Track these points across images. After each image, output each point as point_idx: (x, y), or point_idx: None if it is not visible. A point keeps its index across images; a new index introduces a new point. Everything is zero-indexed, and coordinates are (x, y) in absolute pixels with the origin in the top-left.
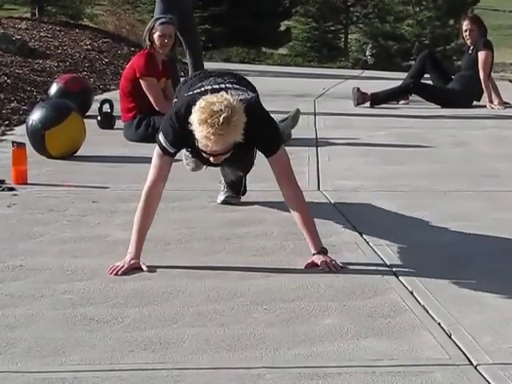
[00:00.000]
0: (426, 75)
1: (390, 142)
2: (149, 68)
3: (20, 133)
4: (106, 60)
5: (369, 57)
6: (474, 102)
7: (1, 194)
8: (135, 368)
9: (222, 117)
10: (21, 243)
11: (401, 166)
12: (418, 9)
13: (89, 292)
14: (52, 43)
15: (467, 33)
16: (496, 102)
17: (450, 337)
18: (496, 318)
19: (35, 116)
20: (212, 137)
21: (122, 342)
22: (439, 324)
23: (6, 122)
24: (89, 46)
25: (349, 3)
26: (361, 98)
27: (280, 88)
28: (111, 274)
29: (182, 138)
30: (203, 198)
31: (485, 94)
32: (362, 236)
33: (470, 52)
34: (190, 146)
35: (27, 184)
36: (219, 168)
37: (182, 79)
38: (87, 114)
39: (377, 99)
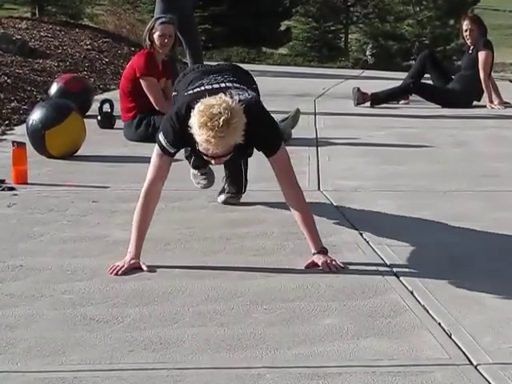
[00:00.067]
0: (426, 75)
1: (390, 142)
2: (149, 68)
3: (20, 132)
4: (106, 60)
5: (369, 57)
6: (474, 102)
7: (1, 193)
8: (135, 368)
9: (221, 119)
10: (21, 243)
11: (401, 165)
12: (418, 9)
13: (89, 292)
14: (52, 43)
15: (467, 33)
16: (496, 101)
17: (450, 337)
18: (496, 318)
19: (35, 116)
20: (212, 140)
21: (122, 341)
22: (439, 324)
23: (6, 122)
24: (89, 46)
25: (349, 3)
26: (361, 97)
27: (280, 88)
28: (111, 273)
29: (183, 138)
30: (203, 198)
31: (485, 94)
32: (362, 236)
33: (470, 52)
34: (191, 146)
35: (27, 184)
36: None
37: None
38: (87, 113)
39: (377, 99)
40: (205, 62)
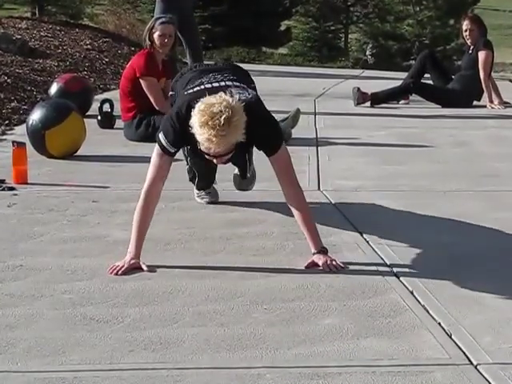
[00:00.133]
0: (427, 75)
1: (391, 142)
2: (149, 68)
3: (20, 132)
4: (106, 60)
5: (369, 56)
6: (475, 102)
7: (1, 193)
8: (135, 368)
9: (222, 118)
10: (21, 243)
11: (401, 165)
12: (418, 8)
13: (89, 292)
14: (52, 43)
15: (467, 33)
16: (496, 101)
17: (450, 336)
18: (496, 318)
19: (35, 116)
20: (214, 139)
21: (122, 341)
22: (439, 324)
23: (6, 122)
24: (89, 46)
25: (349, 3)
26: (361, 97)
27: (280, 88)
28: (111, 273)
29: (183, 137)
30: None
31: (485, 94)
32: (362, 236)
33: (470, 52)
34: (192, 145)
35: (27, 184)
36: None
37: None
38: (87, 113)
39: (377, 99)
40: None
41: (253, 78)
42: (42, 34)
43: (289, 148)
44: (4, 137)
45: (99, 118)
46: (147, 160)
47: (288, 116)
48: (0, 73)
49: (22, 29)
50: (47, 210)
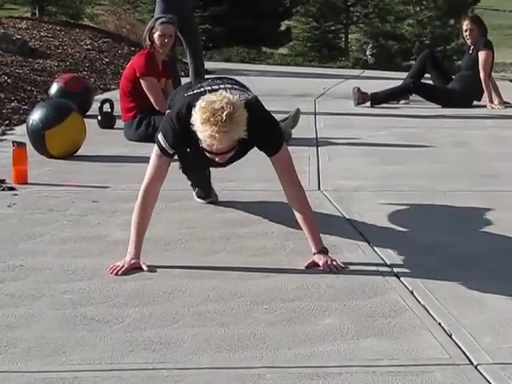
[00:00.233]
0: (427, 75)
1: (391, 142)
2: (149, 68)
3: (20, 132)
4: (107, 60)
5: (369, 56)
6: (475, 102)
7: (1, 193)
8: (135, 368)
9: (224, 114)
10: (21, 243)
11: (401, 165)
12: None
13: (89, 292)
14: (52, 43)
15: (467, 33)
16: (496, 101)
17: (450, 336)
18: (496, 318)
19: (35, 116)
20: (217, 135)
21: (122, 341)
22: (439, 324)
23: (7, 122)
24: (89, 46)
25: (349, 3)
26: (361, 97)
27: (280, 88)
28: (111, 273)
29: (183, 139)
30: None
31: (485, 94)
32: (362, 236)
33: (471, 52)
34: (193, 145)
35: (27, 184)
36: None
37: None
38: (87, 113)
39: (377, 99)
40: (205, 63)
41: (253, 77)
42: (42, 34)
43: (289, 148)
44: (4, 137)
45: (99, 118)
46: (147, 160)
47: (288, 116)
48: (0, 73)
49: (22, 29)
50: (47, 210)
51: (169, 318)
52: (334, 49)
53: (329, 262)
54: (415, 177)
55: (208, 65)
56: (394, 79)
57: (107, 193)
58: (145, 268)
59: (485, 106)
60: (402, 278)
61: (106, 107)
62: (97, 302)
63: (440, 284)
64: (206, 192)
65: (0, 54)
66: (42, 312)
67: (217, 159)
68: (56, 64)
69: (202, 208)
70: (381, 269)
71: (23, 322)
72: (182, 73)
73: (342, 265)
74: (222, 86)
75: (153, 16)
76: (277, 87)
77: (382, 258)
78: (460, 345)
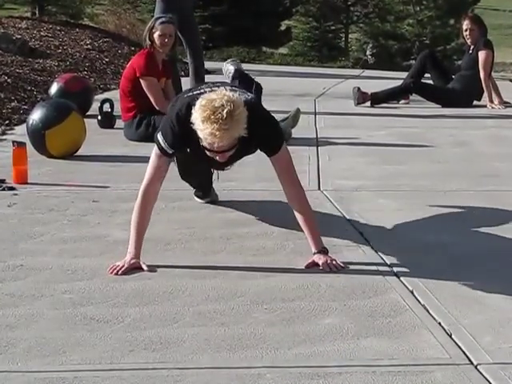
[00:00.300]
0: (427, 75)
1: (391, 142)
2: (149, 67)
3: (20, 132)
4: (107, 59)
5: (369, 56)
6: (475, 102)
7: (1, 193)
8: (135, 368)
9: (224, 111)
10: (21, 243)
11: (401, 165)
12: (418, 8)
13: (89, 292)
14: (52, 43)
15: (467, 32)
16: (496, 101)
17: (450, 336)
18: (496, 318)
19: (35, 115)
20: (217, 133)
21: (122, 341)
22: (439, 323)
23: (7, 122)
24: (89, 46)
25: (349, 3)
26: (361, 97)
27: (280, 87)
28: (111, 273)
29: (183, 139)
30: None
31: (485, 94)
32: (362, 236)
33: (471, 52)
34: (193, 145)
35: (27, 184)
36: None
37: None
38: (87, 113)
39: (377, 99)
40: (205, 62)
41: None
42: (42, 33)
43: (289, 148)
44: (4, 137)
45: (99, 117)
46: (147, 160)
47: (288, 116)
48: (0, 73)
49: (22, 29)
50: (47, 210)
51: (169, 317)
52: (334, 49)
53: (328, 262)
54: (415, 177)
55: (208, 65)
56: (394, 79)
57: (107, 193)
58: (145, 268)
59: (485, 106)
60: (401, 278)
61: (106, 107)
62: (97, 301)
63: (440, 284)
64: (204, 191)
65: (0, 53)
66: (41, 312)
67: (217, 158)
68: (56, 64)
69: (202, 208)
70: (381, 269)
71: (23, 321)
72: (182, 73)
73: (341, 264)
74: (221, 87)
75: (153, 16)
76: (277, 87)
77: (382, 258)
78: (460, 345)
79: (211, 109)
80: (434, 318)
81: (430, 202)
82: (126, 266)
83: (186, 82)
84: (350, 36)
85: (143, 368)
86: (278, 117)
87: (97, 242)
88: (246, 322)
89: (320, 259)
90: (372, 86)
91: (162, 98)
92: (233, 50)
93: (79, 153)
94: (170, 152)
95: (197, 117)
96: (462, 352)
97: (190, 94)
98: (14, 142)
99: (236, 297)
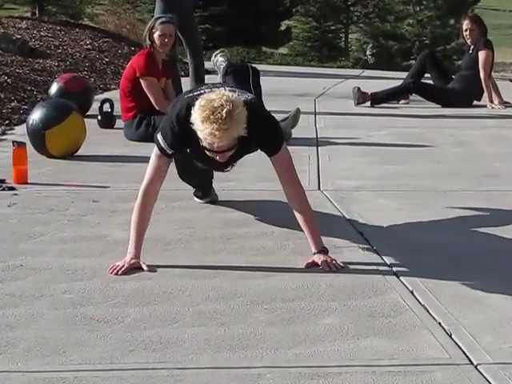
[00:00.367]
0: (427, 75)
1: (391, 142)
2: (149, 67)
3: (20, 132)
4: (107, 59)
5: (369, 56)
6: (475, 102)
7: (1, 193)
8: (136, 368)
9: (224, 111)
10: (21, 243)
11: (401, 165)
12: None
13: (89, 292)
14: (52, 43)
15: (467, 32)
16: (496, 101)
17: (450, 336)
18: (496, 318)
19: (35, 115)
20: (217, 133)
21: (122, 341)
22: (439, 323)
23: (7, 122)
24: (89, 46)
25: (349, 3)
26: (361, 97)
27: (280, 87)
28: (111, 273)
29: (182, 139)
30: None
31: (485, 94)
32: (362, 236)
33: (471, 52)
34: (193, 145)
35: (27, 184)
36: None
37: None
38: (87, 113)
39: (377, 99)
40: (205, 62)
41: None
42: (42, 33)
43: (289, 148)
44: (4, 137)
45: (99, 117)
46: (147, 160)
47: (288, 116)
48: (0, 73)
49: (22, 29)
50: (47, 210)
51: (169, 317)
52: (334, 49)
53: (328, 262)
54: (415, 177)
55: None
56: (394, 79)
57: (107, 193)
58: (145, 268)
59: (485, 106)
60: (401, 278)
61: (106, 107)
62: (97, 301)
63: (440, 284)
64: (204, 191)
65: (0, 53)
66: (42, 312)
67: (217, 158)
68: (56, 64)
69: (202, 208)
70: (381, 268)
71: (23, 321)
72: (182, 73)
73: (341, 264)
74: (221, 88)
75: (153, 16)
76: (277, 87)
77: (382, 258)
78: (460, 345)
79: (210, 109)
80: (434, 318)
81: (430, 201)
82: (126, 265)
83: (186, 82)
84: (349, 36)
85: (143, 368)
86: (278, 117)
87: (97, 242)
88: (246, 322)
89: (320, 259)
90: (372, 86)
91: (162, 98)
92: (233, 50)
93: (79, 153)
94: (170, 152)
95: (196, 117)
96: (462, 352)
97: (190, 94)
98: (13, 141)
99: (236, 297)
